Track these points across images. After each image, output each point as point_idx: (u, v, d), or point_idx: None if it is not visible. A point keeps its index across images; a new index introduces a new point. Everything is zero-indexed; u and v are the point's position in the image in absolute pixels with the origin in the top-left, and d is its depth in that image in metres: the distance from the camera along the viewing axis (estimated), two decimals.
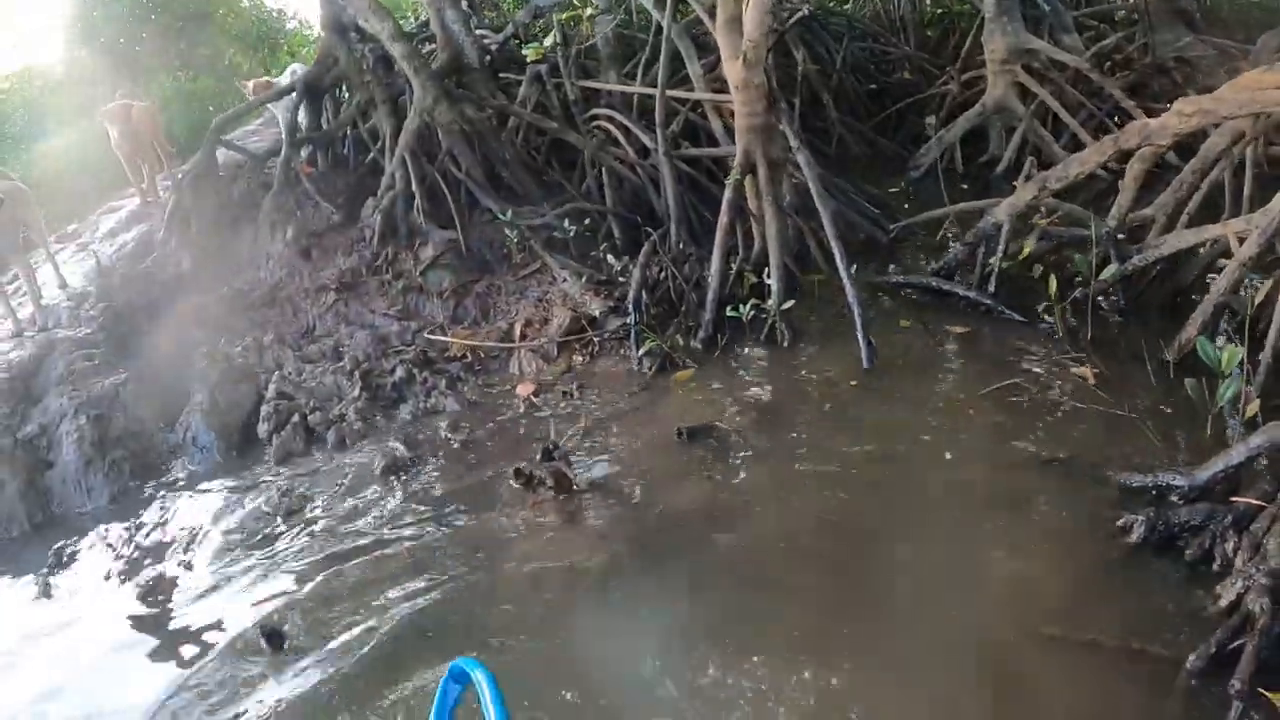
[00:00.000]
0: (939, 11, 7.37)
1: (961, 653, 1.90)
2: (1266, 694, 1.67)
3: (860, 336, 3.04)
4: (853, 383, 2.92)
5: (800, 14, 5.35)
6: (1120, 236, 3.23)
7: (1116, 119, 4.87)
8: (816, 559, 2.23)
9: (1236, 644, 1.78)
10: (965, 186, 4.18)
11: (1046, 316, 3.11)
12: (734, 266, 3.66)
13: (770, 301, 3.36)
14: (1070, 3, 7.53)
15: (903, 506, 2.35)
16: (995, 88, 5.05)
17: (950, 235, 3.66)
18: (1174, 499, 2.20)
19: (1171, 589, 2.01)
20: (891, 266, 3.64)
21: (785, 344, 3.27)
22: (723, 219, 3.66)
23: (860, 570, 2.17)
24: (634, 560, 2.32)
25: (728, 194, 3.69)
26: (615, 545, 2.40)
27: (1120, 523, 2.17)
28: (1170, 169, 3.54)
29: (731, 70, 3.59)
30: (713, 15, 3.74)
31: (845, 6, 7.30)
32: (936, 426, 2.63)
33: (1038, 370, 2.87)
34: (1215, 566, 2.02)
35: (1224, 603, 1.88)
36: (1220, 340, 2.66)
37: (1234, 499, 2.11)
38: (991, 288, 3.30)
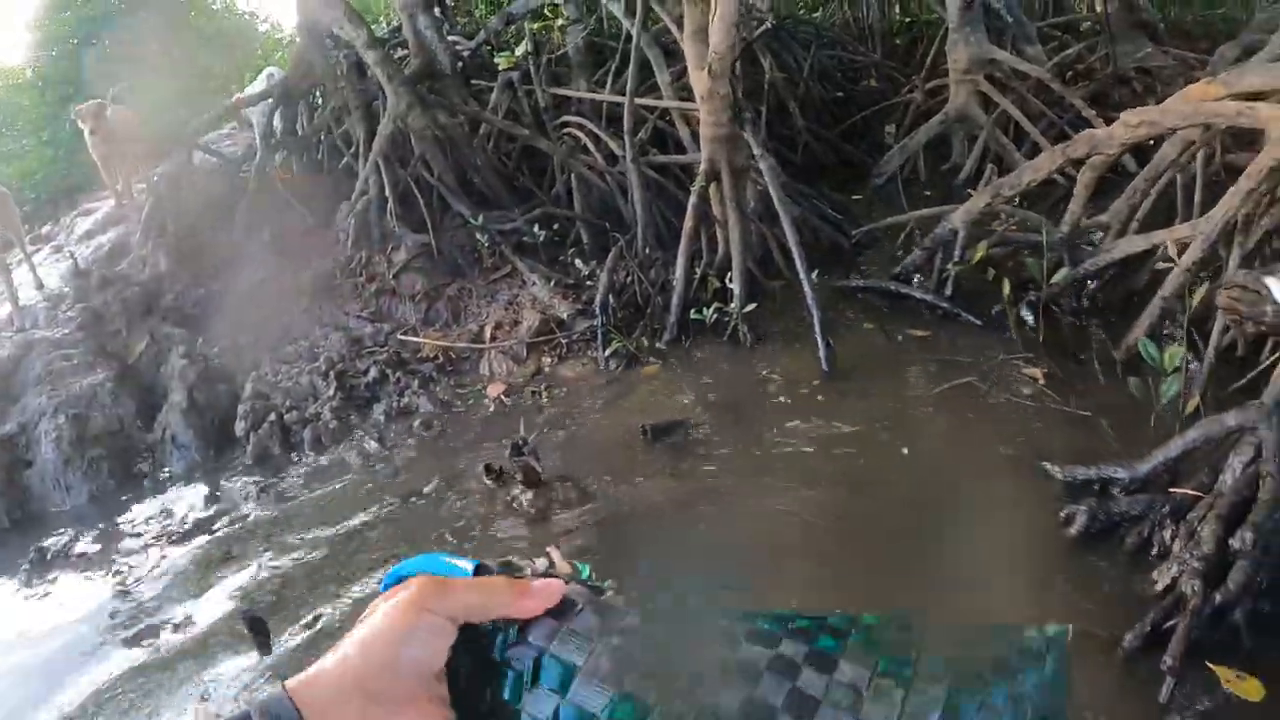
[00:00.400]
0: (907, 20, 7.56)
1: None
2: (1212, 667, 1.78)
3: (819, 339, 3.16)
4: (814, 382, 3.03)
5: (765, 27, 5.49)
6: (1075, 242, 3.39)
7: (1077, 128, 5.02)
8: (780, 551, 2.34)
9: (1170, 624, 1.89)
10: (928, 194, 4.32)
11: (1003, 319, 3.24)
12: (698, 271, 3.77)
13: (733, 305, 3.48)
14: (1034, 14, 7.74)
15: (859, 500, 2.46)
16: (958, 97, 5.19)
17: (911, 241, 3.78)
18: (1116, 491, 2.31)
19: (1112, 575, 2.14)
20: (853, 272, 3.75)
21: (748, 345, 3.39)
22: (688, 224, 3.78)
23: (817, 563, 2.28)
24: (598, 550, 2.42)
25: (693, 200, 3.80)
26: (581, 537, 2.50)
27: (1064, 514, 2.28)
28: (1129, 175, 3.70)
29: (697, 80, 3.70)
30: (681, 25, 3.84)
31: (815, 15, 7.46)
32: (893, 425, 2.75)
33: (991, 371, 2.99)
34: (1153, 553, 2.14)
35: (1160, 586, 2.00)
36: (1166, 341, 2.80)
37: (1172, 490, 2.23)
38: (949, 291, 3.43)
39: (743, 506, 2.50)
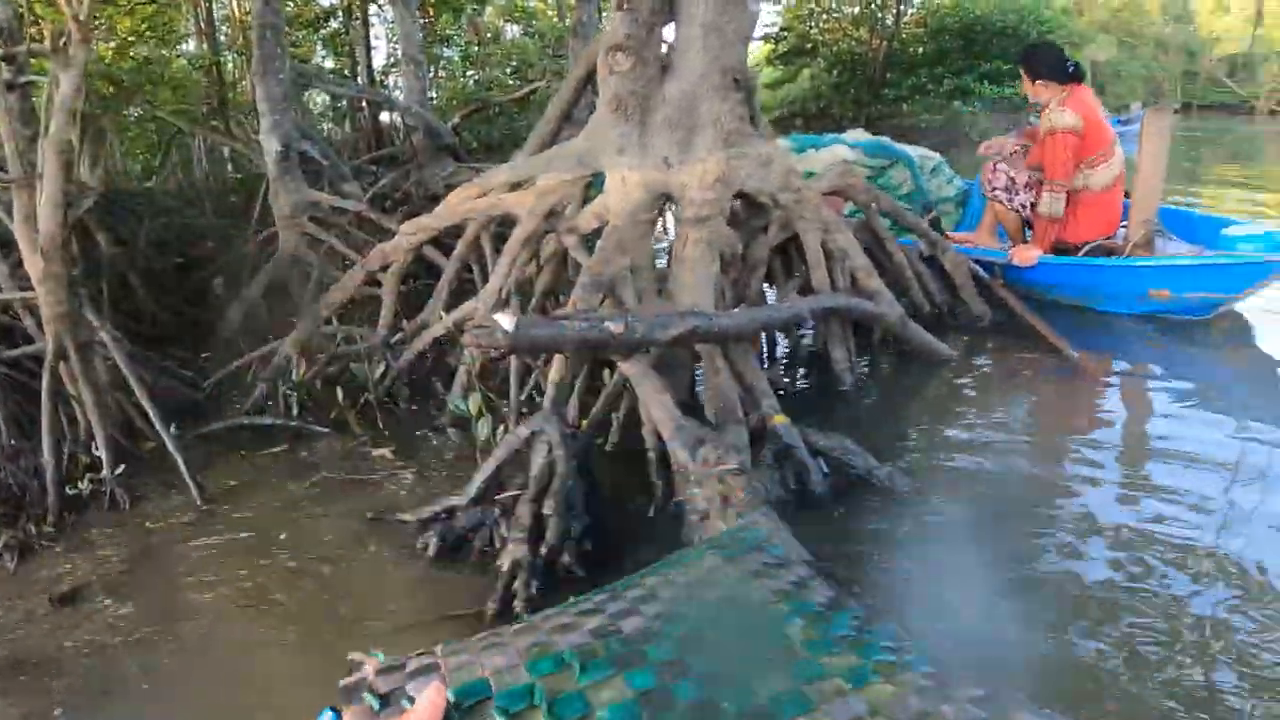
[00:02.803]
0: (239, 177, 8.34)
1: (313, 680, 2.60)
2: None
3: (188, 481, 3.70)
4: (193, 516, 3.57)
5: (88, 200, 5.91)
6: (392, 341, 4.35)
7: None
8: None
9: (516, 586, 2.70)
10: (270, 336, 5.00)
11: (346, 422, 4.06)
12: (66, 450, 4.12)
13: (104, 473, 3.90)
14: (358, 152, 8.94)
15: (280, 586, 3.02)
16: (287, 242, 6.01)
17: (259, 377, 4.49)
18: (459, 514, 3.13)
19: (471, 574, 2.92)
20: (214, 419, 4.33)
21: (127, 506, 3.83)
22: (45, 406, 4.11)
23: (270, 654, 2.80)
24: None
25: (45, 382, 4.14)
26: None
27: (419, 544, 3.06)
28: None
29: (33, 265, 4.06)
30: (10, 212, 4.20)
31: (148, 183, 7.96)
32: (274, 524, 3.39)
33: (345, 462, 3.79)
34: (498, 547, 2.96)
35: (505, 565, 2.79)
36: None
37: (499, 497, 3.09)
38: (295, 411, 4.22)
39: (169, 645, 2.93)
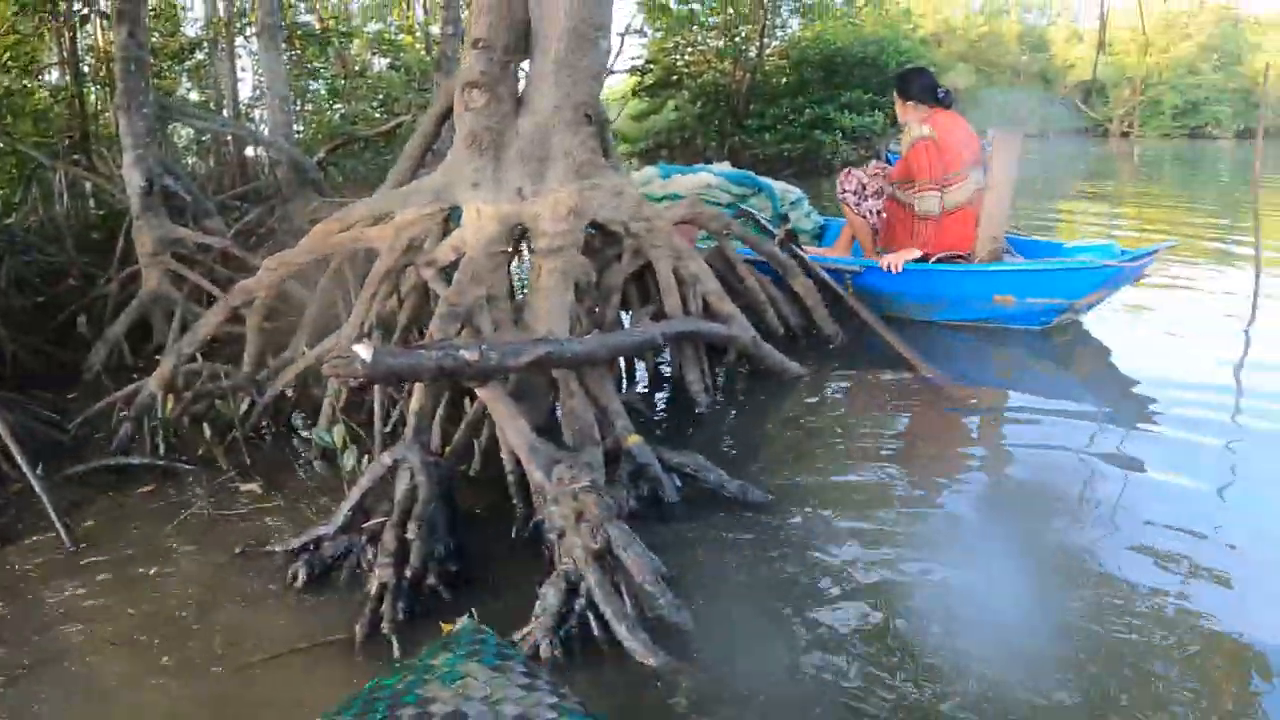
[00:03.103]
0: (102, 214, 8.20)
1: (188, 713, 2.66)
2: (442, 624, 2.66)
3: (56, 522, 3.69)
4: (62, 557, 3.56)
5: None
6: (257, 378, 4.41)
7: None
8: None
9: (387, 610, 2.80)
10: (135, 375, 4.99)
11: (216, 457, 4.13)
12: None
13: None
14: (223, 187, 8.91)
15: (147, 622, 3.05)
16: (150, 280, 5.98)
17: (124, 416, 4.49)
18: (326, 543, 3.21)
19: (340, 599, 3.01)
20: (80, 460, 4.31)
21: None
22: None
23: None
24: None
25: None
26: None
27: (289, 574, 3.13)
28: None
29: None
30: None
31: (8, 220, 7.77)
32: (140, 561, 3.42)
33: (214, 498, 3.85)
34: (367, 573, 3.05)
35: (372, 589, 2.88)
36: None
37: (365, 525, 3.19)
38: (162, 449, 4.23)
39: (42, 687, 2.94)
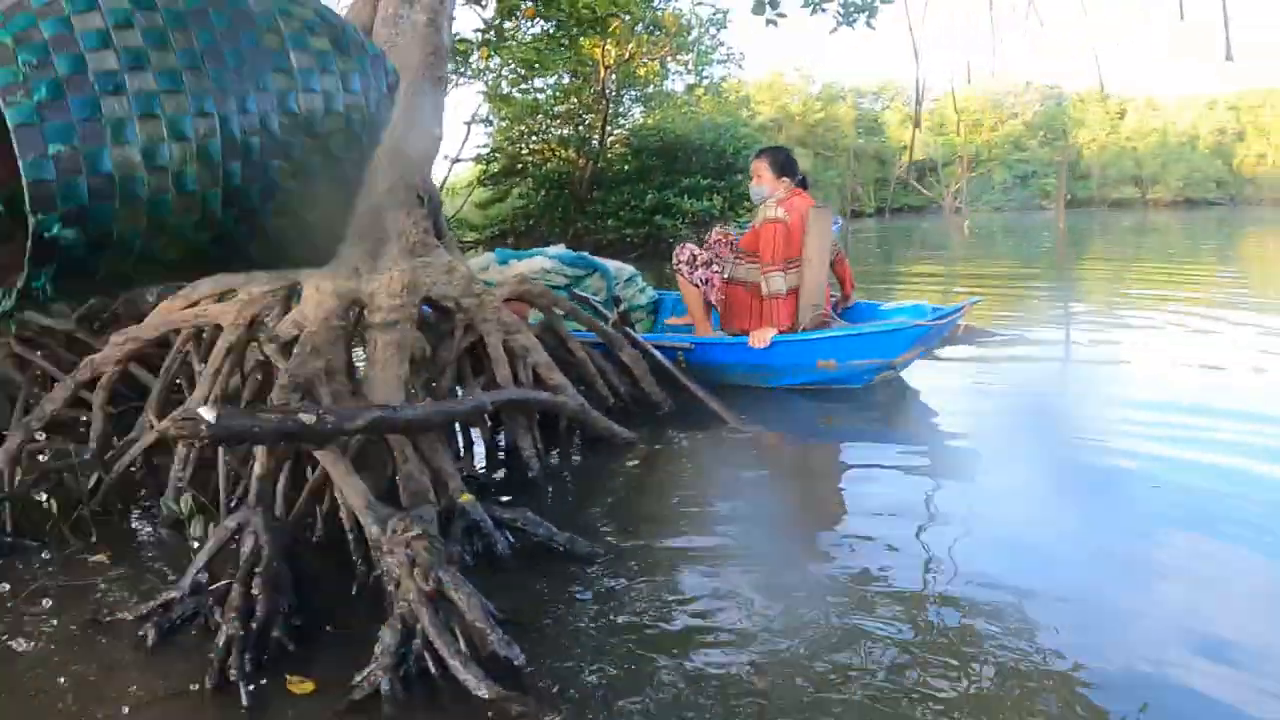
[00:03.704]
0: None
1: None
2: (289, 677, 2.85)
3: None
4: None
5: None
6: (106, 454, 4.52)
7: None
8: None
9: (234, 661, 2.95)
10: None
11: (63, 532, 4.22)
12: None
13: None
14: None
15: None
16: None
17: None
18: (175, 606, 3.37)
19: (191, 657, 3.11)
20: None
21: None
22: None
23: None
24: None
25: None
26: None
27: (139, 635, 3.27)
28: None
29: None
30: None
31: None
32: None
33: (62, 570, 3.93)
34: (213, 630, 3.19)
35: (220, 643, 3.02)
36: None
37: (212, 588, 3.37)
38: (8, 526, 4.28)
39: None
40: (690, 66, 24.97)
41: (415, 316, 4.48)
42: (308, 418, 3.44)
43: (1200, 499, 4.23)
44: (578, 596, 3.44)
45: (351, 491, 3.47)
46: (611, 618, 3.26)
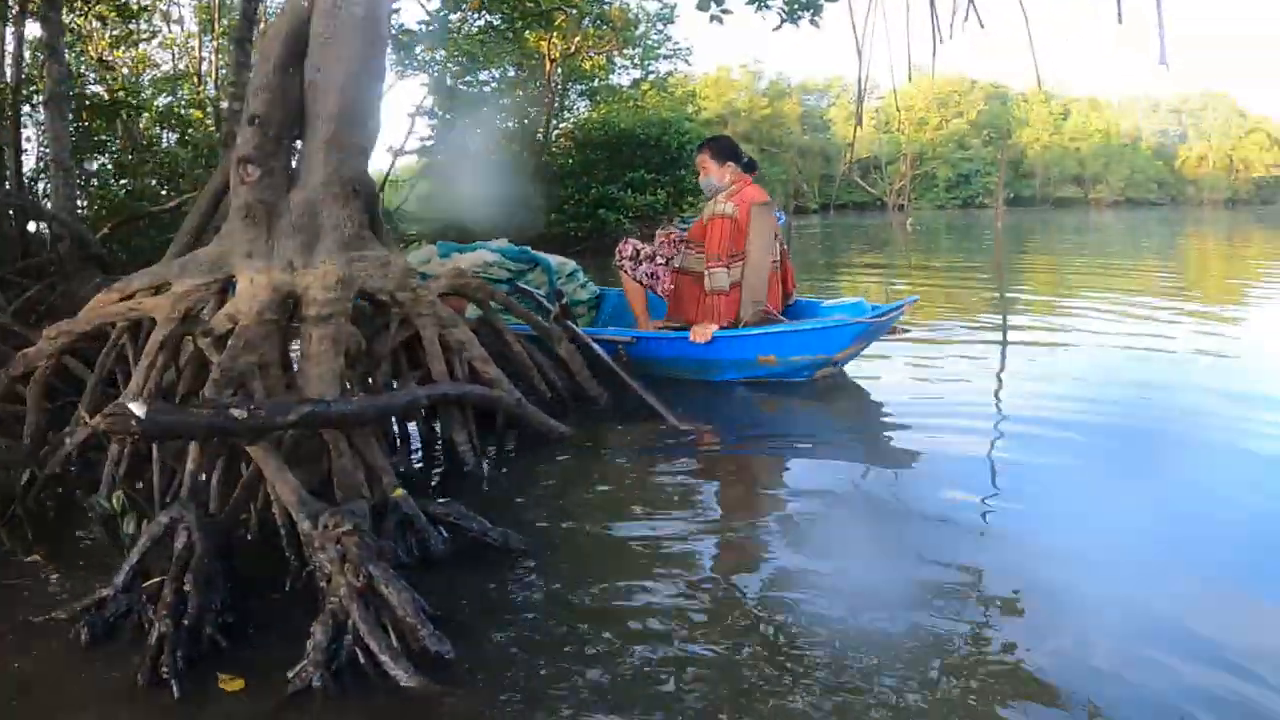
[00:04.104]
0: None
1: None
2: (220, 675, 2.84)
3: None
4: None
5: None
6: (41, 450, 4.46)
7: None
8: None
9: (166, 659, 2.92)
10: None
11: None
12: None
13: None
14: (4, 262, 8.73)
15: None
16: None
17: None
18: (108, 603, 3.33)
19: (125, 655, 3.07)
20: None
21: None
22: None
23: None
24: None
25: None
26: None
27: (72, 635, 3.21)
28: None
29: None
30: None
31: None
32: None
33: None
34: (146, 628, 3.14)
35: (152, 640, 2.99)
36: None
37: (145, 585, 3.34)
38: None
39: None
40: (637, 61, 25.03)
41: (350, 311, 4.46)
42: (239, 413, 3.43)
43: (1135, 471, 4.61)
44: (511, 591, 3.45)
45: (283, 487, 3.46)
46: (544, 611, 3.28)
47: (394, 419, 4.91)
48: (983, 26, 5.58)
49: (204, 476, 3.75)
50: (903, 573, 3.51)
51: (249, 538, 3.92)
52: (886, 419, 5.78)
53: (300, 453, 3.98)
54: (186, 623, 3.09)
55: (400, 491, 3.75)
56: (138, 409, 3.21)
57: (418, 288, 4.73)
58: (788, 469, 5.00)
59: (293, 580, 3.50)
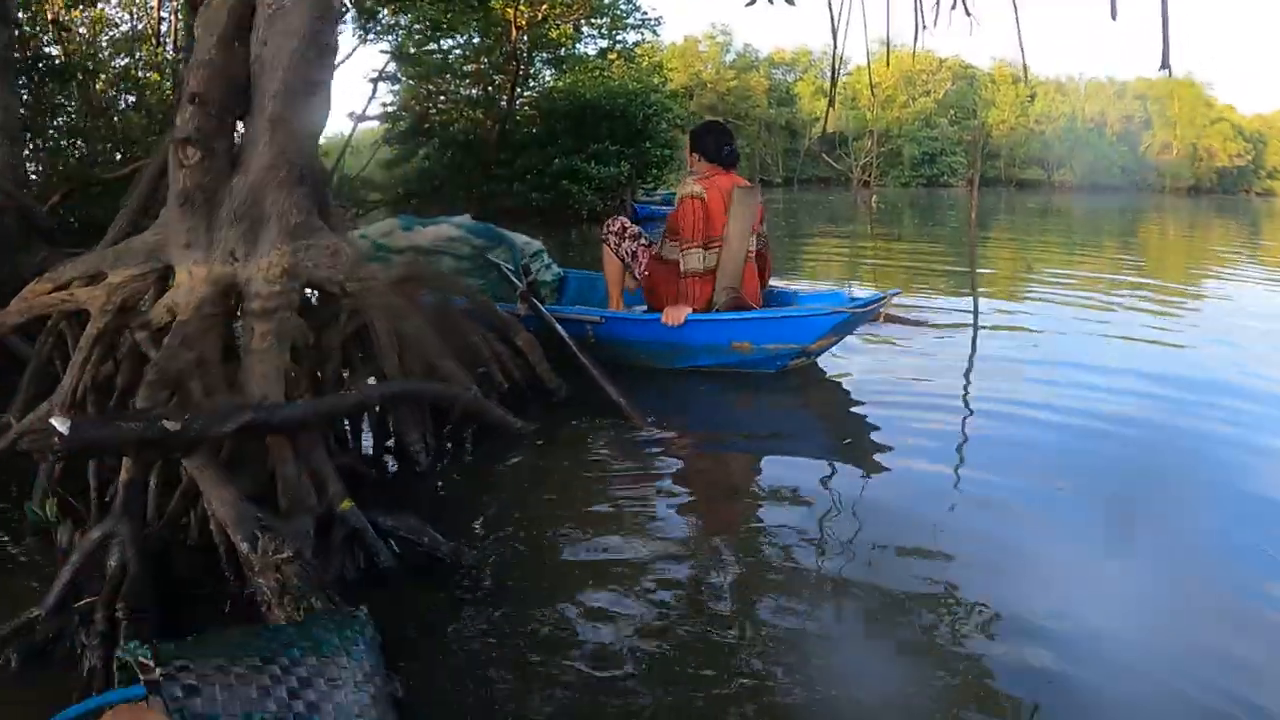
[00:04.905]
0: None
1: None
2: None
3: None
4: None
5: None
6: None
7: None
8: None
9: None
10: None
11: None
12: None
13: None
14: None
15: None
16: None
17: None
18: (39, 626, 3.05)
19: (55, 683, 2.81)
20: None
21: None
22: None
23: None
24: None
25: None
26: None
27: (2, 660, 2.95)
28: None
29: None
30: None
31: None
32: None
33: None
34: (79, 653, 2.91)
35: (84, 671, 2.79)
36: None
37: (77, 605, 3.07)
38: None
39: None
40: (604, 30, 24.71)
41: (296, 303, 4.18)
42: (171, 424, 3.16)
43: (1110, 457, 4.69)
44: (463, 609, 3.22)
45: (221, 504, 3.20)
46: (497, 631, 3.05)
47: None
48: (969, 14, 5.35)
49: (139, 486, 3.46)
50: (873, 580, 3.38)
51: (190, 544, 3.65)
52: (859, 414, 5.57)
53: (244, 454, 3.72)
54: (119, 652, 2.85)
55: (348, 504, 3.49)
56: (60, 424, 2.94)
57: (369, 277, 4.44)
58: (756, 468, 4.80)
59: (233, 603, 3.24)
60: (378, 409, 4.69)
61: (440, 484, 4.42)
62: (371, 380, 4.57)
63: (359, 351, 4.69)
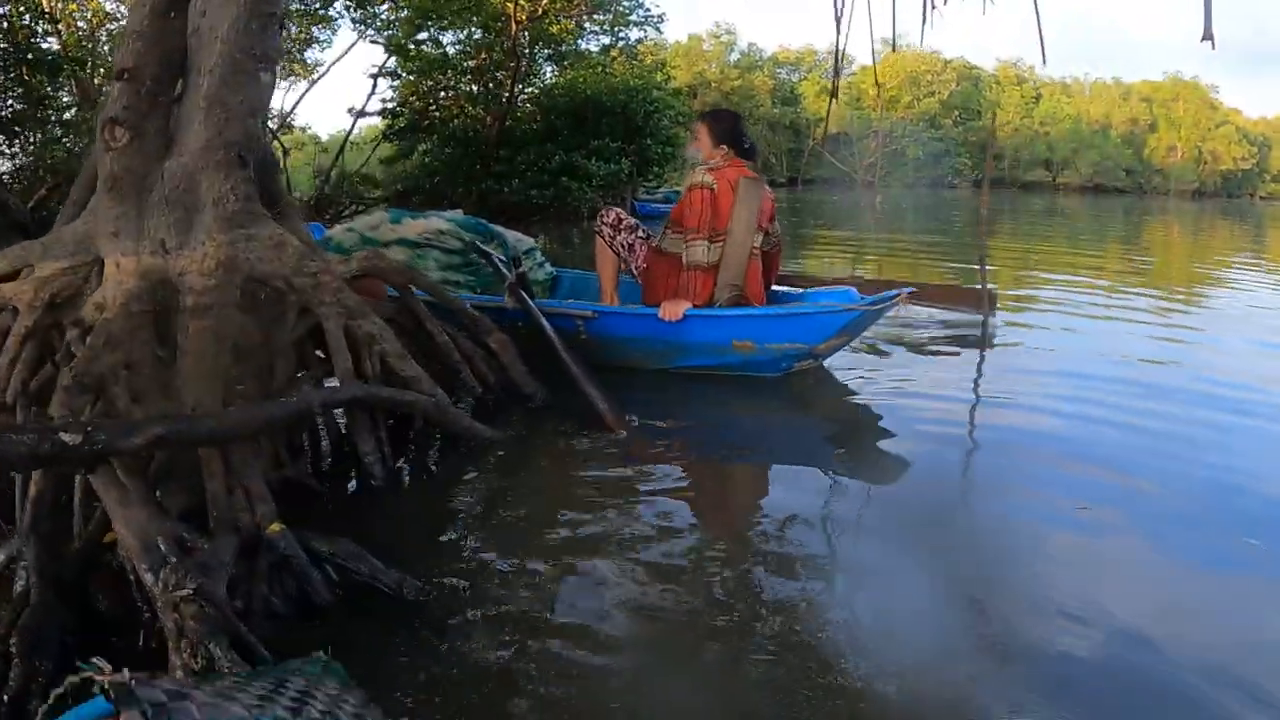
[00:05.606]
0: None
1: None
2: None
3: None
4: None
5: None
6: None
7: None
8: None
9: None
10: None
11: None
12: None
13: None
14: None
15: None
16: None
17: None
18: None
19: None
20: None
21: None
22: None
23: None
24: None
25: None
26: None
27: None
28: None
29: None
30: None
31: None
32: None
33: None
34: None
35: None
36: None
37: None
38: None
39: None
40: (606, 27, 24.34)
41: (236, 299, 3.75)
42: (70, 437, 2.73)
43: (1124, 469, 4.36)
44: (407, 651, 2.77)
45: (125, 526, 2.78)
46: (447, 678, 2.64)
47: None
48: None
49: (48, 502, 3.05)
50: (874, 611, 3.05)
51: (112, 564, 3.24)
52: (867, 421, 5.13)
53: (178, 467, 3.31)
54: (7, 696, 2.46)
55: (277, 526, 3.05)
56: None
57: (319, 272, 4.00)
58: (754, 486, 4.36)
59: (146, 636, 2.83)
60: (331, 416, 4.28)
61: (400, 499, 3.98)
62: (335, 384, 4.14)
63: (314, 351, 4.27)
